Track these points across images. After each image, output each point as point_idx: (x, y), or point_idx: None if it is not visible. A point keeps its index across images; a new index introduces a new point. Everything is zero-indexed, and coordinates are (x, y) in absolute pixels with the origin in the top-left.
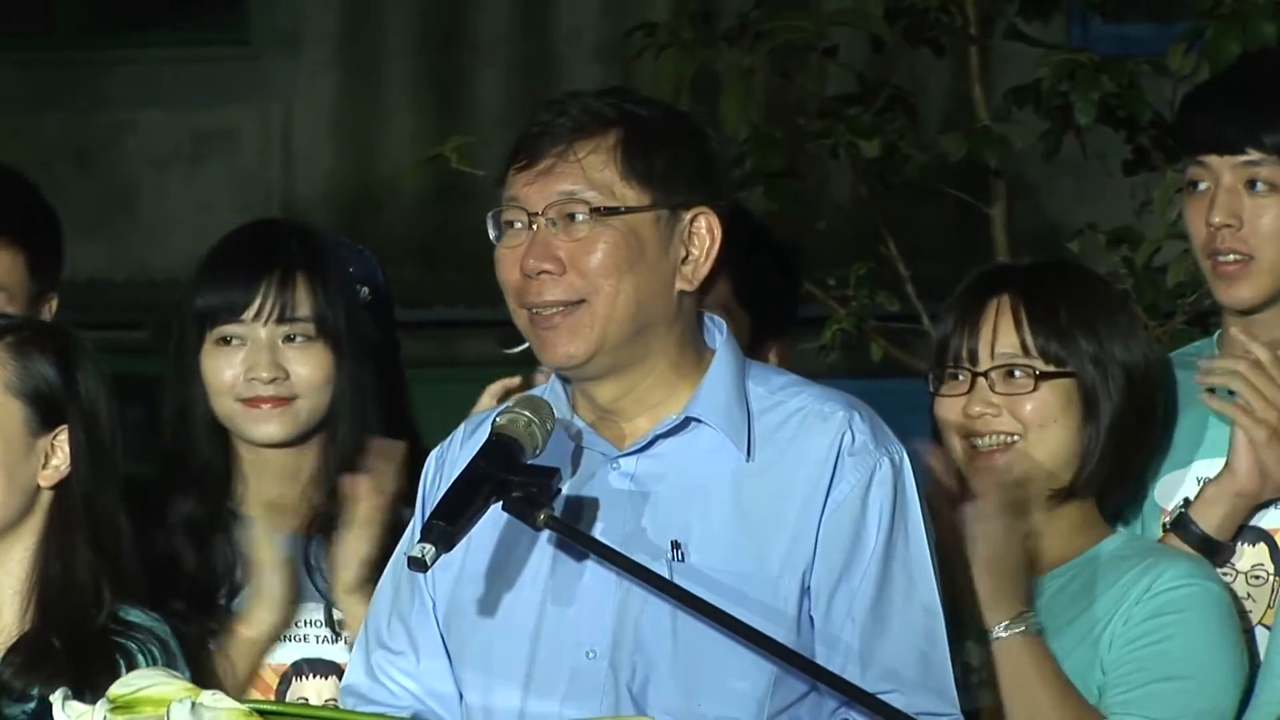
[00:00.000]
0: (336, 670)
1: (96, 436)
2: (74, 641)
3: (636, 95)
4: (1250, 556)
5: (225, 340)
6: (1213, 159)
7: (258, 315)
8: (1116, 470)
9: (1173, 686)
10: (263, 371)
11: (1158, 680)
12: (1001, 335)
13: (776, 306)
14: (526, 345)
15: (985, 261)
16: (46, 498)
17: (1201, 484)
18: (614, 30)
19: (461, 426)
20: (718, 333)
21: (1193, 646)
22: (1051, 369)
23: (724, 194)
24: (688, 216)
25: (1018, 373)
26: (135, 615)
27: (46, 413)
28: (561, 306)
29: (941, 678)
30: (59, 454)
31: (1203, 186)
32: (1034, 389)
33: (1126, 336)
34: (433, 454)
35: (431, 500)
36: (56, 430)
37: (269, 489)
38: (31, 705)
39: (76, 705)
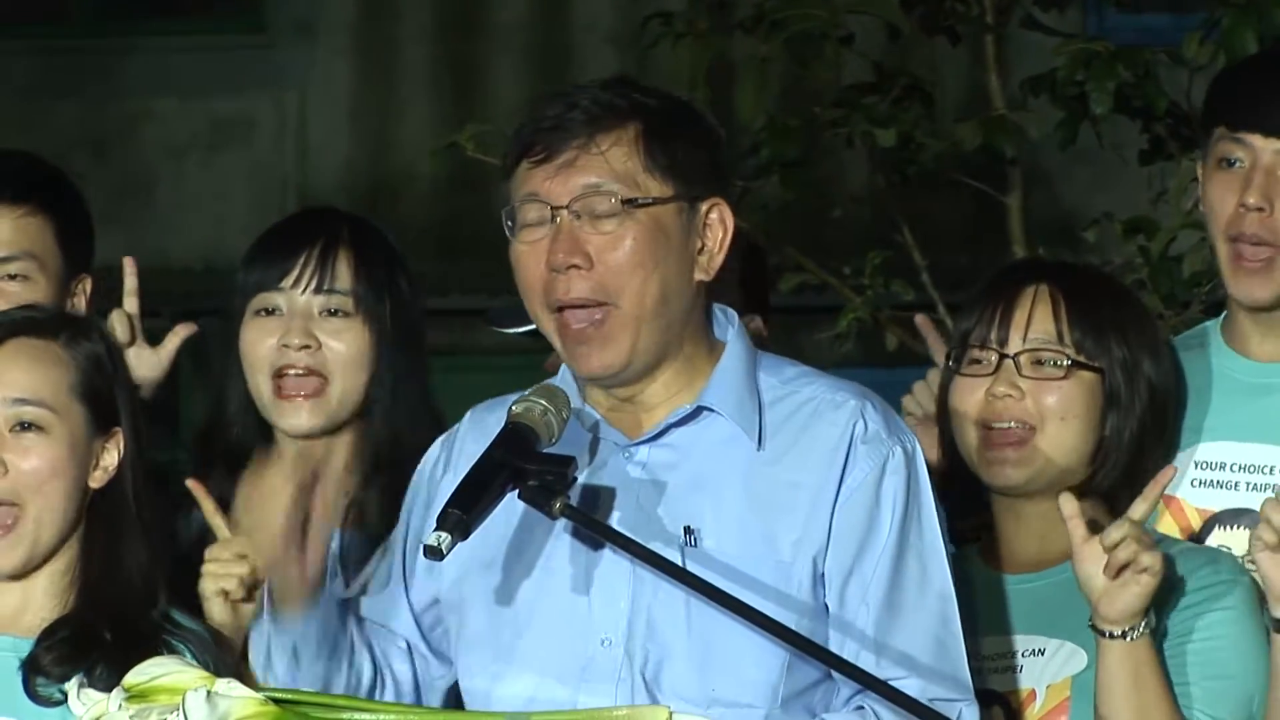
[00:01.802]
0: None
1: (139, 434)
2: (124, 634)
3: (641, 85)
4: (1240, 542)
5: (265, 311)
6: (1255, 138)
7: (296, 283)
8: (1129, 476)
9: (1222, 685)
10: (295, 338)
11: (1210, 678)
12: (1036, 321)
13: (752, 284)
14: (527, 329)
15: (1001, 251)
16: (89, 497)
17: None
18: (630, 19)
19: (470, 413)
20: (729, 325)
21: (1238, 643)
22: (1083, 360)
23: (731, 183)
24: (704, 207)
25: (1048, 360)
26: (180, 616)
27: (101, 414)
28: (590, 306)
29: (955, 663)
30: (108, 456)
31: (1237, 164)
32: (1063, 378)
33: (1154, 351)
34: (440, 439)
35: (431, 482)
36: (110, 433)
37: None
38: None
39: (92, 693)
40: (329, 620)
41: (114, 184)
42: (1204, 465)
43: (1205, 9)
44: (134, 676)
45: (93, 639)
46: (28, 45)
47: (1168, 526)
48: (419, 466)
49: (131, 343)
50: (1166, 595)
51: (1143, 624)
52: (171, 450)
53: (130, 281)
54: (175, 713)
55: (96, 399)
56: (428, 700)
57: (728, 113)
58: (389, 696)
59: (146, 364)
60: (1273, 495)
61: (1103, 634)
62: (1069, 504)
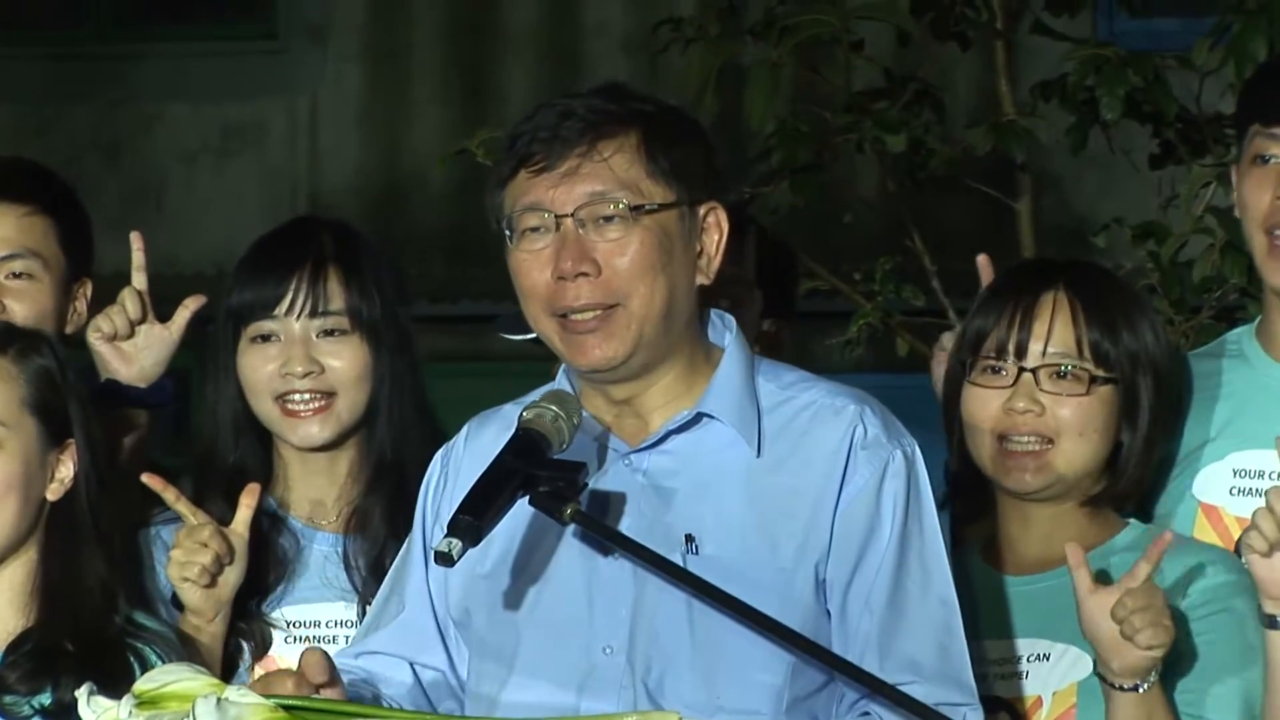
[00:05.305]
0: None
1: (94, 445)
2: (87, 644)
3: (633, 92)
4: None
5: (260, 338)
6: None
7: (290, 310)
8: (1142, 476)
9: (1230, 688)
10: (297, 366)
11: (1218, 682)
12: (1056, 332)
13: (773, 285)
14: (533, 335)
15: (1011, 256)
16: (45, 509)
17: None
18: (641, 24)
19: (466, 426)
20: (727, 331)
21: (1242, 644)
22: (1102, 374)
23: (726, 188)
24: (702, 211)
25: (1070, 374)
26: (143, 619)
27: (55, 426)
28: (597, 310)
29: (959, 668)
30: (64, 468)
31: (1271, 160)
32: (1085, 392)
33: (1154, 328)
34: (438, 454)
35: (435, 499)
36: (64, 444)
37: (309, 490)
38: (45, 698)
39: (102, 700)
40: None
41: (126, 189)
42: (1242, 473)
43: (1216, 14)
44: (144, 683)
45: (56, 652)
46: (41, 50)
47: (1206, 535)
48: (422, 486)
49: (143, 319)
50: (1170, 598)
51: (1153, 675)
52: (185, 456)
53: (138, 258)
54: (185, 719)
55: (49, 412)
56: None
57: (738, 118)
58: None
59: (158, 340)
60: (1263, 504)
61: (1112, 685)
62: (1075, 553)
